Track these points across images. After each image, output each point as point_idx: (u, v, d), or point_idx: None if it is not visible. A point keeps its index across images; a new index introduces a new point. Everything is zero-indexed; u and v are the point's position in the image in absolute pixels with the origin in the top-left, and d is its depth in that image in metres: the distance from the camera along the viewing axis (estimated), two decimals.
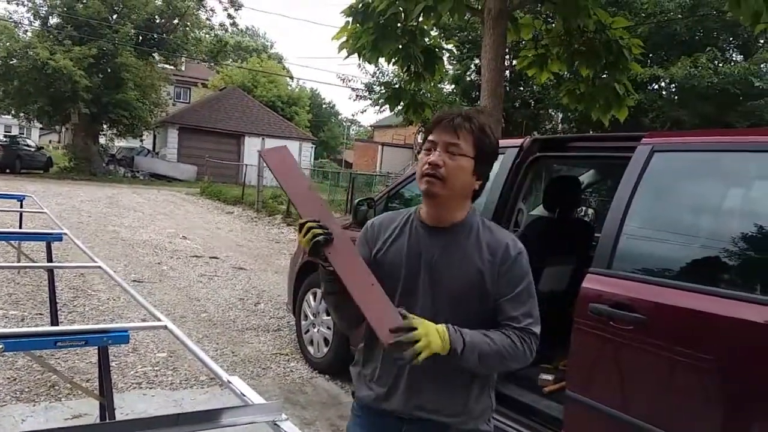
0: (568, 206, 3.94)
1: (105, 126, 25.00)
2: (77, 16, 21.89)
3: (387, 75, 18.66)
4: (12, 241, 6.47)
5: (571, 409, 2.54)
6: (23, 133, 34.25)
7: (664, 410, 2.24)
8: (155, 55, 25.45)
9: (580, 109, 7.30)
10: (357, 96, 21.60)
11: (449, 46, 14.55)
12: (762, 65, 12.48)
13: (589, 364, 2.53)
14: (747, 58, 12.89)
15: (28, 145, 24.46)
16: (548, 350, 2.63)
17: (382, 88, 17.51)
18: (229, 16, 27.76)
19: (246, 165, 21.61)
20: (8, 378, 3.74)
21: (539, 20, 7.48)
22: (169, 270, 7.54)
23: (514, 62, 9.95)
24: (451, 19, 6.98)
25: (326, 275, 1.54)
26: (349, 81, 28.97)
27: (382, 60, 6.89)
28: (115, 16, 23.28)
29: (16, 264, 5.98)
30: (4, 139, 25.57)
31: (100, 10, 21.99)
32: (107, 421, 2.49)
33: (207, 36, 28.04)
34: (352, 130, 52.96)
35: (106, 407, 2.52)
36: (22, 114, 24.18)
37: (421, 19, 6.22)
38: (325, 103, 51.34)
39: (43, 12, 23.31)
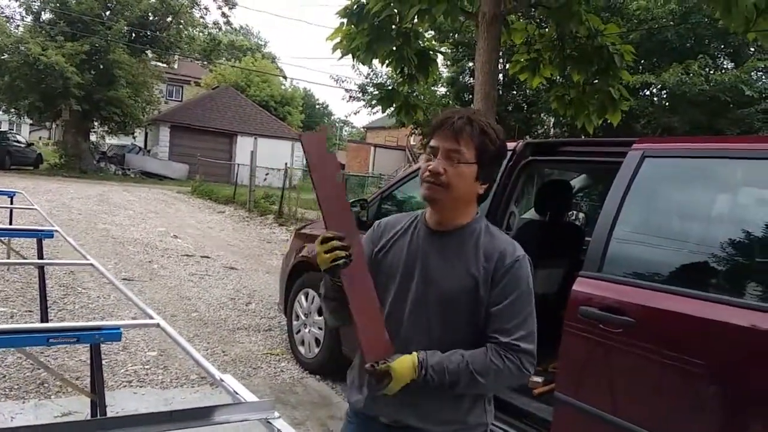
0: (559, 210, 3.98)
1: (96, 123, 24.85)
2: (70, 12, 21.78)
3: (380, 76, 18.67)
4: (2, 238, 6.43)
5: (560, 411, 2.56)
6: (13, 129, 33.95)
7: (653, 413, 2.26)
8: (148, 52, 25.32)
9: (569, 115, 7.36)
10: (350, 97, 21.59)
11: (443, 49, 14.59)
12: (752, 73, 12.59)
13: (578, 366, 2.55)
14: (738, 66, 13.01)
15: (18, 141, 24.26)
16: (538, 353, 2.65)
17: (376, 89, 17.54)
18: (223, 14, 27.54)
19: (238, 164, 21.58)
20: None
21: (532, 25, 7.53)
22: (160, 269, 7.52)
23: (507, 66, 9.99)
24: (444, 22, 7.01)
25: (331, 286, 1.53)
26: (343, 82, 29.04)
27: (376, 61, 6.92)
28: (108, 13, 23.18)
29: (6, 260, 5.94)
30: None
31: (93, 6, 21.88)
32: (99, 417, 2.48)
33: (200, 34, 27.95)
34: (345, 131, 52.99)
35: (98, 405, 2.52)
36: (12, 110, 24.02)
37: (415, 21, 6.26)
38: (318, 104, 51.36)
39: (36, 7, 23.17)
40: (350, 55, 6.64)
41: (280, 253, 8.98)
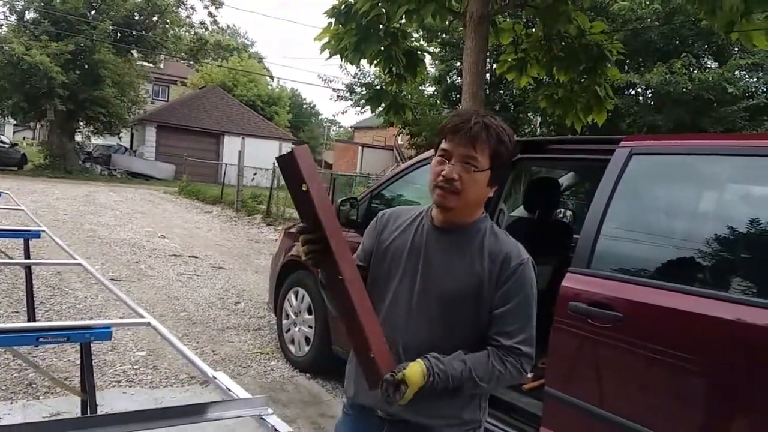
0: (547, 207, 4.02)
1: (81, 123, 24.65)
2: (54, 12, 21.56)
3: (368, 76, 18.70)
4: None
5: (550, 405, 2.59)
6: None
7: (641, 406, 2.30)
8: (134, 52, 25.16)
9: (557, 114, 7.42)
10: (338, 97, 21.62)
11: (431, 49, 14.64)
12: (736, 72, 12.76)
13: (567, 361, 2.58)
14: (721, 65, 13.17)
15: (1, 142, 24.01)
16: None
17: (364, 89, 17.57)
18: (210, 14, 27.56)
19: (225, 164, 21.48)
20: None
21: (519, 25, 7.58)
22: (148, 269, 7.48)
23: (495, 66, 10.04)
24: (433, 22, 7.04)
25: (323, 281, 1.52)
26: (330, 81, 28.99)
27: (363, 61, 6.93)
28: (93, 12, 22.97)
29: None
30: None
31: (78, 5, 21.68)
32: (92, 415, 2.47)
33: (187, 34, 27.78)
34: (333, 130, 52.90)
35: (89, 404, 2.50)
36: None
37: (403, 21, 6.27)
38: (305, 104, 51.21)
39: (20, 7, 22.93)
40: (338, 55, 6.65)
41: (268, 253, 8.96)
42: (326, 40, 6.57)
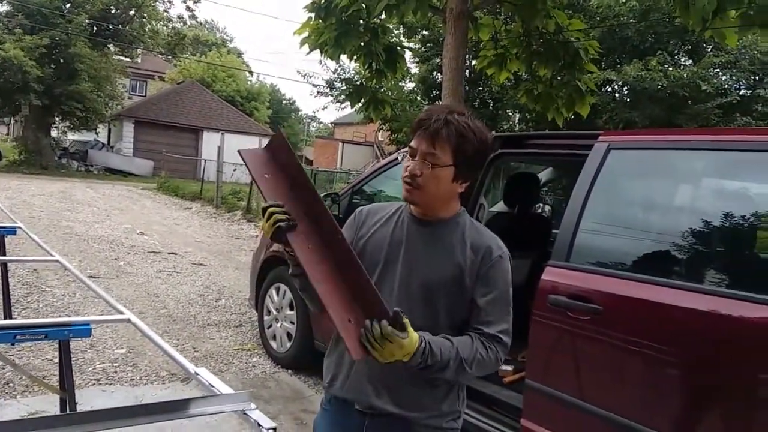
0: (527, 202, 4.06)
1: (57, 118, 24.20)
2: (28, 5, 21.14)
3: (348, 72, 18.65)
4: None
5: (530, 398, 2.62)
6: None
7: (620, 397, 2.34)
8: (110, 46, 24.78)
9: (537, 109, 7.48)
10: (318, 93, 21.53)
11: (411, 44, 14.64)
12: (709, 70, 12.96)
13: (547, 353, 2.62)
14: (696, 63, 13.38)
15: None
16: None
17: (344, 84, 17.53)
18: (188, 8, 27.16)
19: (205, 160, 21.27)
20: None
21: (499, 21, 7.63)
22: (127, 266, 7.40)
23: (474, 63, 10.08)
24: (413, 18, 7.05)
25: (296, 266, 1.50)
26: (310, 77, 28.84)
27: (343, 57, 6.92)
28: (68, 5, 22.57)
29: None
30: None
31: None
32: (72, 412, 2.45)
33: (164, 28, 27.44)
34: (313, 126, 52.72)
35: (68, 402, 2.48)
36: None
37: (383, 16, 6.27)
38: (285, 99, 50.92)
39: None
40: (318, 50, 6.63)
41: (249, 249, 8.92)
42: (306, 34, 6.54)
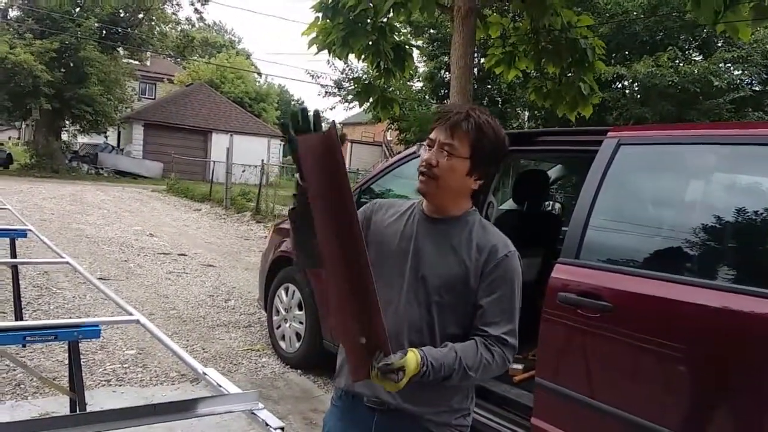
0: (536, 200, 4.03)
1: (67, 122, 24.39)
2: (38, 9, 21.31)
3: (356, 71, 18.65)
4: None
5: (541, 396, 2.60)
6: None
7: (631, 395, 2.31)
8: (120, 49, 24.93)
9: (546, 107, 7.44)
10: (326, 92, 21.55)
11: (419, 43, 14.62)
12: (721, 65, 12.85)
13: (557, 352, 2.59)
14: (707, 58, 13.26)
15: None
16: (518, 340, 2.69)
17: (352, 84, 17.54)
18: (196, 10, 27.29)
19: (214, 162, 21.33)
20: None
21: (507, 18, 7.59)
22: (137, 267, 7.43)
23: (483, 60, 10.06)
24: (421, 17, 7.04)
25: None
26: (318, 77, 28.89)
27: (351, 56, 6.91)
28: (78, 10, 22.72)
29: None
30: None
31: (63, 3, 21.42)
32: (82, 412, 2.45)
33: (173, 31, 27.57)
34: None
35: (78, 403, 2.49)
36: None
37: (391, 15, 6.26)
38: (293, 100, 51.05)
39: (3, 5, 22.68)
40: (326, 50, 6.63)
41: (258, 250, 8.94)
42: (314, 35, 6.54)
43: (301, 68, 61.57)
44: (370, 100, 7.59)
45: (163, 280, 6.85)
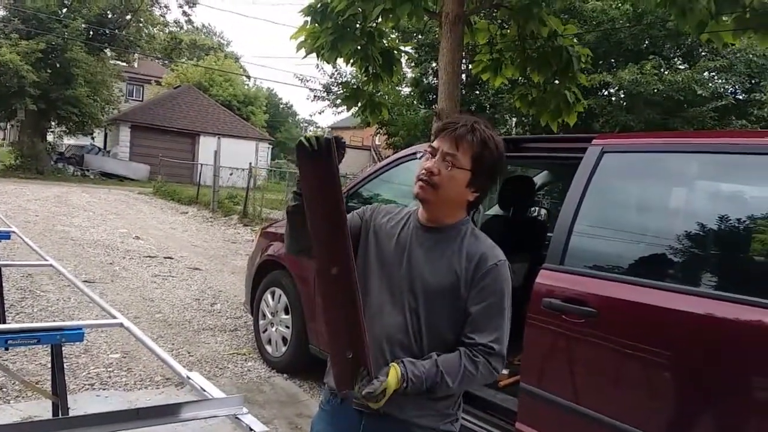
0: (522, 206, 4.06)
1: (53, 123, 24.18)
2: (25, 9, 21.13)
3: (345, 76, 18.64)
4: None
5: (525, 401, 2.62)
6: None
7: (615, 400, 2.34)
8: (107, 50, 24.77)
9: (531, 114, 7.49)
10: (315, 97, 21.49)
11: (407, 48, 14.65)
12: (705, 73, 13.00)
13: (542, 357, 2.61)
14: (691, 67, 13.41)
15: None
16: None
17: (340, 88, 17.54)
18: (184, 13, 27.24)
19: (201, 164, 21.22)
20: None
21: (494, 25, 7.63)
22: (122, 270, 7.37)
23: (471, 67, 10.10)
24: (409, 22, 7.06)
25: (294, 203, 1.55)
26: (307, 81, 28.81)
27: (340, 60, 6.92)
28: (65, 10, 22.56)
29: None
30: None
31: (50, 3, 21.28)
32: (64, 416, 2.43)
33: (161, 33, 27.45)
34: (310, 131, 52.73)
35: (60, 407, 2.47)
36: None
37: (379, 20, 6.28)
38: (282, 104, 50.99)
39: None
40: (314, 54, 6.63)
41: (245, 254, 8.90)
42: (302, 38, 6.54)
43: (289, 72, 61.56)
44: (359, 104, 7.60)
45: (148, 284, 6.80)
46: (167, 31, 28.01)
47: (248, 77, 40.25)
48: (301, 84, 33.92)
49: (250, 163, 16.96)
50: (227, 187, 17.69)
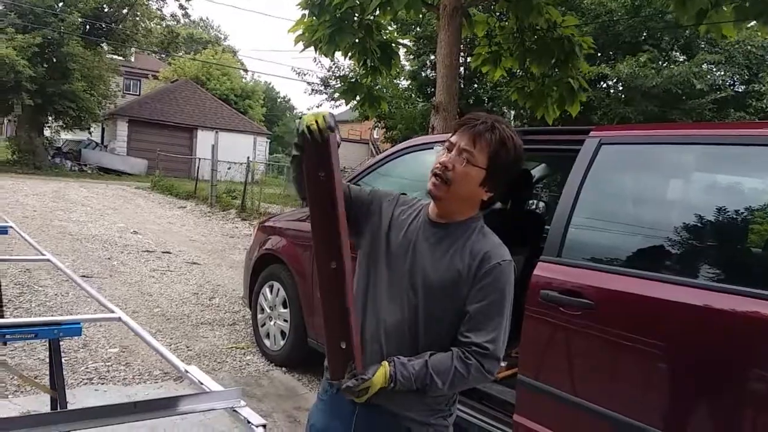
0: (520, 198, 4.06)
1: (50, 118, 24.07)
2: (20, 4, 21.02)
3: (343, 69, 18.59)
4: None
5: (523, 393, 2.62)
6: None
7: (612, 392, 2.34)
8: (104, 45, 24.66)
9: (528, 106, 7.48)
10: (313, 90, 21.44)
11: (406, 41, 14.61)
12: (704, 66, 12.98)
13: (539, 349, 2.61)
14: (690, 59, 13.39)
15: None
16: None
17: (338, 82, 17.51)
18: (181, 6, 27.18)
19: (199, 159, 21.19)
20: None
21: (493, 17, 7.62)
22: (120, 265, 7.37)
23: (469, 60, 10.08)
24: (407, 15, 7.04)
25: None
26: (305, 75, 28.70)
27: (338, 54, 6.91)
28: (61, 4, 22.44)
29: None
30: None
31: None
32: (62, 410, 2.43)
33: (158, 27, 27.33)
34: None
35: (58, 401, 2.47)
36: None
37: (377, 13, 6.26)
38: (279, 97, 50.86)
39: None
40: (312, 47, 6.61)
41: (243, 248, 8.89)
42: (300, 32, 6.52)
43: (287, 65, 61.30)
44: (357, 97, 7.58)
45: (146, 278, 6.80)
46: (164, 25, 27.90)
47: (246, 71, 40.18)
48: (299, 78, 33.84)
49: (248, 158, 16.92)
50: (225, 182, 17.67)
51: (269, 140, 33.47)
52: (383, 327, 1.56)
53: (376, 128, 23.06)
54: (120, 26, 24.28)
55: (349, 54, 6.94)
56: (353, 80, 7.99)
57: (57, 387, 2.47)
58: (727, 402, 2.08)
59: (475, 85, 16.21)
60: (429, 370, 1.47)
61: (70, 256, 7.50)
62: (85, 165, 25.11)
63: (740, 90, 13.73)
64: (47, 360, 3.62)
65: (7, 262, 6.00)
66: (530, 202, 5.00)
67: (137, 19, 25.08)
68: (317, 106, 23.23)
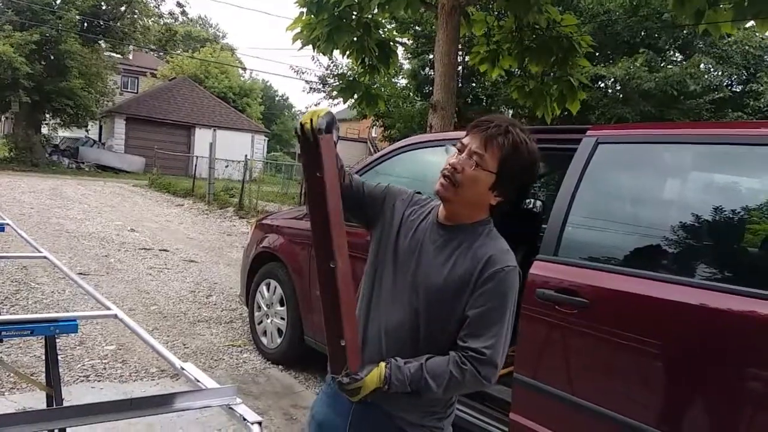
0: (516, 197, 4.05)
1: (48, 115, 24.04)
2: (18, 1, 20.97)
3: (341, 67, 18.59)
4: None
5: (519, 392, 2.62)
6: None
7: (608, 390, 2.35)
8: (101, 42, 24.60)
9: (528, 105, 7.49)
10: (311, 89, 21.44)
11: (404, 40, 14.61)
12: (701, 66, 13.00)
13: (535, 347, 2.62)
14: (687, 59, 13.41)
15: None
16: None
17: (337, 80, 17.51)
18: (179, 4, 27.11)
19: (197, 157, 21.17)
20: None
21: (491, 16, 7.61)
22: (117, 263, 7.36)
23: (467, 58, 10.08)
24: (405, 13, 7.04)
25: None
26: (303, 73, 28.69)
27: (336, 52, 6.90)
28: (58, 1, 22.39)
29: None
30: None
31: None
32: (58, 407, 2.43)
33: (155, 24, 27.27)
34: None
35: (54, 398, 2.46)
36: None
37: (375, 11, 6.25)
38: (278, 96, 50.80)
39: None
40: (310, 46, 6.60)
41: (240, 246, 8.89)
42: (298, 30, 6.51)
43: (285, 63, 61.18)
44: (355, 96, 7.57)
45: (144, 276, 6.79)
46: (162, 23, 27.82)
47: (244, 69, 40.07)
48: (297, 76, 33.77)
49: (246, 156, 16.90)
50: (223, 180, 17.67)
51: (267, 138, 33.41)
52: (384, 327, 1.56)
53: (374, 127, 23.06)
54: (118, 24, 24.22)
55: (347, 52, 6.94)
56: (351, 78, 7.99)
57: (53, 384, 2.46)
58: (720, 400, 2.09)
59: (474, 84, 16.22)
60: (425, 373, 1.46)
61: (67, 253, 7.49)
62: (83, 162, 25.07)
63: (738, 90, 13.76)
64: (43, 357, 3.62)
65: (4, 260, 5.99)
66: (527, 200, 5.00)
67: (135, 16, 25.02)
68: (315, 105, 23.22)
